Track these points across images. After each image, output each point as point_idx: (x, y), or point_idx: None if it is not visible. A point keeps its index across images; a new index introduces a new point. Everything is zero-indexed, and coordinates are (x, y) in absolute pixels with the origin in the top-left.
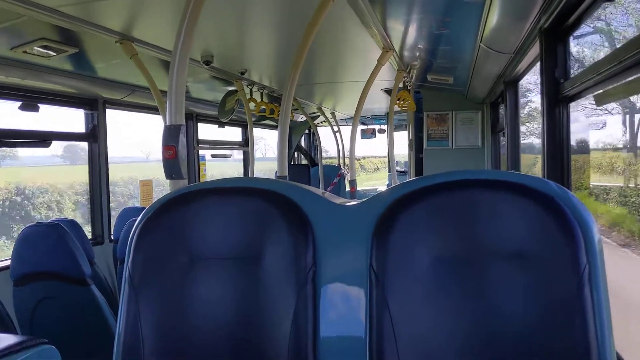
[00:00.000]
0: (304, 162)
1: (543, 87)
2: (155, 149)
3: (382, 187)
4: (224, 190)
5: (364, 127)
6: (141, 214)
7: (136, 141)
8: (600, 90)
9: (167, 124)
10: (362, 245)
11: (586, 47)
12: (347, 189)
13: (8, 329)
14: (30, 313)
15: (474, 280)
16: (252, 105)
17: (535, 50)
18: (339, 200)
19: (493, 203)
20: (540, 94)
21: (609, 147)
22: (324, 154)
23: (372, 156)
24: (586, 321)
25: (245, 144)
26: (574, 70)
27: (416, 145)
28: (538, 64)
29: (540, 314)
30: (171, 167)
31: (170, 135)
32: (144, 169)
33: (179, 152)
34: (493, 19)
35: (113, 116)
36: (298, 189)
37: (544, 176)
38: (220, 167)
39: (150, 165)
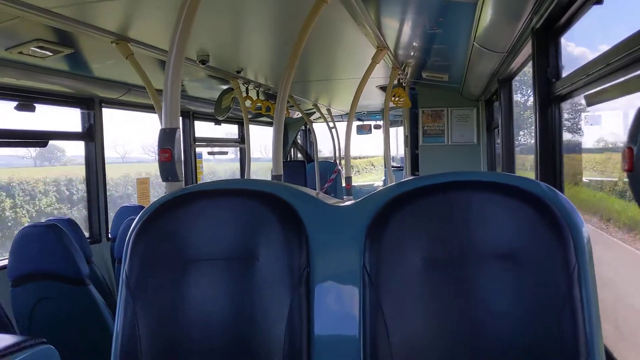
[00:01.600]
0: (300, 158)
1: (535, 86)
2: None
3: (379, 183)
4: (219, 192)
5: (360, 122)
6: (137, 217)
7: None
8: (591, 91)
9: (163, 127)
10: (356, 246)
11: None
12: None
13: (6, 329)
14: (28, 313)
15: (466, 280)
16: (248, 103)
17: (527, 49)
18: (332, 201)
19: (484, 204)
20: (532, 93)
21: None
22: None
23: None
24: (575, 320)
25: (242, 142)
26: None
27: (412, 142)
28: (530, 63)
29: (530, 314)
30: (167, 169)
31: (166, 138)
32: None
33: (175, 155)
34: (486, 18)
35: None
36: (292, 190)
37: (537, 176)
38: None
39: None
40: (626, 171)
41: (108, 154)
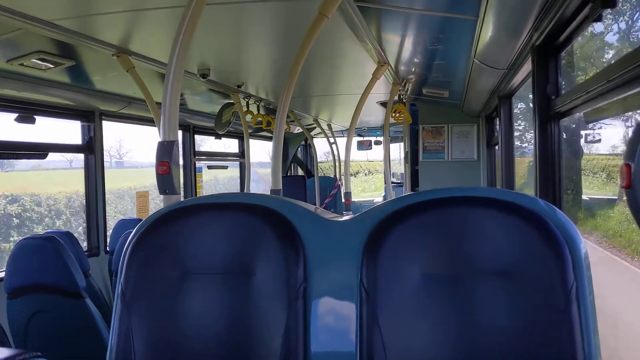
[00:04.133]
0: (301, 173)
1: (535, 103)
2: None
3: (379, 199)
4: (217, 205)
5: (361, 138)
6: (134, 230)
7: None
8: (590, 108)
9: (161, 139)
10: (353, 261)
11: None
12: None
13: (1, 342)
14: (24, 326)
15: (463, 297)
16: (248, 117)
17: (528, 66)
18: (330, 216)
19: (482, 220)
20: (532, 110)
21: None
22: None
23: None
24: (573, 338)
25: (242, 156)
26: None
27: (412, 158)
28: (530, 80)
29: (527, 331)
30: (165, 182)
31: (164, 151)
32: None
33: (173, 168)
34: (486, 35)
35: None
36: (290, 204)
37: (536, 192)
38: None
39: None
40: (624, 188)
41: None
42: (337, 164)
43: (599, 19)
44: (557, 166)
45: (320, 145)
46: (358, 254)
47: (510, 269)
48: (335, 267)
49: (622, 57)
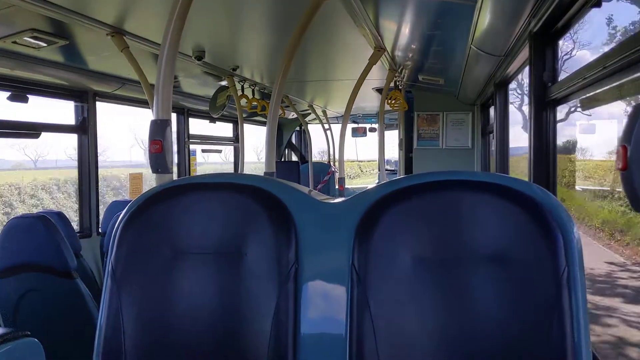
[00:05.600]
0: (295, 159)
1: (531, 90)
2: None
3: (372, 186)
4: (209, 185)
5: (355, 125)
6: (126, 208)
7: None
8: (586, 95)
9: (154, 118)
10: (345, 243)
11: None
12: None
13: None
14: (14, 305)
15: (455, 281)
16: (243, 101)
17: (524, 53)
18: (323, 198)
19: (475, 204)
20: (528, 97)
21: None
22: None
23: None
24: (563, 323)
25: (236, 140)
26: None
27: (406, 145)
28: (527, 67)
29: (518, 315)
30: (157, 161)
31: (157, 129)
32: None
33: (165, 147)
34: (484, 21)
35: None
36: (282, 186)
37: (530, 178)
38: None
39: None
40: (620, 170)
41: (15, 155)
42: (331, 150)
43: (598, 4)
44: (551, 153)
45: (316, 145)
46: (350, 236)
47: (503, 254)
48: (327, 249)
49: (619, 43)
